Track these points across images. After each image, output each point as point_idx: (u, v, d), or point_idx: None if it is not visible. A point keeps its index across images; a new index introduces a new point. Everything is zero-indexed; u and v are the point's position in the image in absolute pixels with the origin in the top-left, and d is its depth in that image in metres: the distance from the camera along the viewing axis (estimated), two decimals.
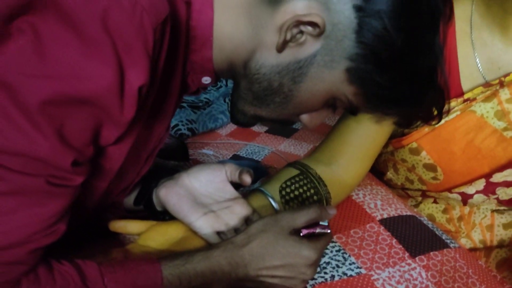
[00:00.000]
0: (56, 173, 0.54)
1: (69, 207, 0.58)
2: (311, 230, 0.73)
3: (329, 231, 0.74)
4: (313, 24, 0.59)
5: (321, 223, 0.73)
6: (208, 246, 0.72)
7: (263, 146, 1.43)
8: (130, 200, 0.85)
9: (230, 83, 1.70)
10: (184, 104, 1.55)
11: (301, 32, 0.60)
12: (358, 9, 0.58)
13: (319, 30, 0.59)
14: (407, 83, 0.63)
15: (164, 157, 1.17)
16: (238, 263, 0.68)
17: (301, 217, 0.71)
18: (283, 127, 1.41)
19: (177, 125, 1.46)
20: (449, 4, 0.65)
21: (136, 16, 0.52)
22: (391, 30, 0.58)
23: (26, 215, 0.53)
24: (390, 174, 0.99)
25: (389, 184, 1.02)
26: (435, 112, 0.72)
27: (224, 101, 1.66)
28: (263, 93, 0.67)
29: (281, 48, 0.62)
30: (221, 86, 1.71)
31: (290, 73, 0.64)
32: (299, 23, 0.59)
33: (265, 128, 1.56)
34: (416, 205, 1.03)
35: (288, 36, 0.61)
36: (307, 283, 0.74)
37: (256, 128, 1.57)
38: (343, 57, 0.61)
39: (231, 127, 1.57)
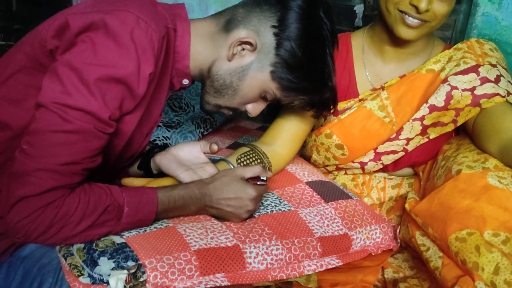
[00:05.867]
0: (98, 123, 0.88)
1: (103, 148, 0.92)
2: (254, 182, 1.09)
3: (266, 183, 1.11)
4: (249, 43, 1.00)
5: (261, 178, 1.11)
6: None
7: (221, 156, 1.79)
8: (133, 168, 1.21)
9: (197, 109, 2.08)
10: (160, 124, 1.90)
11: (243, 48, 1.01)
12: (276, 35, 0.99)
13: (253, 47, 1.00)
14: (307, 79, 1.03)
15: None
16: (205, 193, 1.03)
17: (249, 170, 1.09)
18: (235, 114, 1.67)
19: (154, 140, 1.81)
20: (335, 35, 1.07)
21: (148, 33, 0.90)
22: (295, 47, 0.99)
23: (81, 146, 0.87)
24: (314, 156, 1.39)
25: (314, 165, 1.42)
26: (332, 107, 1.13)
27: (192, 123, 2.02)
28: (220, 88, 1.05)
29: (231, 58, 1.02)
30: (189, 111, 2.08)
31: (237, 74, 1.03)
32: (241, 43, 1.00)
33: (226, 145, 1.93)
34: (333, 178, 1.43)
35: (235, 51, 1.01)
36: (250, 213, 1.08)
37: (219, 145, 1.94)
38: (268, 64, 1.01)
39: None
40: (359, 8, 2.24)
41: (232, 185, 1.04)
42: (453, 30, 2.17)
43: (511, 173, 1.01)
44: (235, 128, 1.98)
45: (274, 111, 1.36)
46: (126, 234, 0.96)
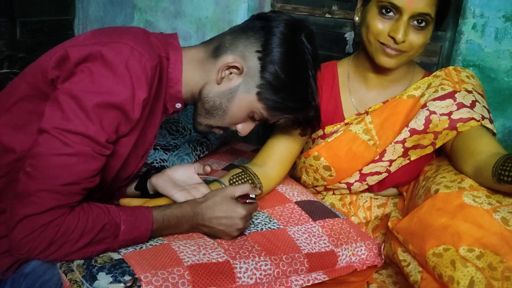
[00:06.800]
0: (96, 146, 0.94)
1: (101, 169, 0.98)
2: (244, 200, 1.15)
3: (255, 201, 1.17)
4: (236, 67, 1.08)
5: (250, 196, 1.17)
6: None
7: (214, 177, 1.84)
8: (131, 189, 1.28)
9: (194, 132, 2.14)
10: (158, 147, 1.96)
11: (231, 72, 1.09)
12: (260, 59, 1.07)
13: (240, 70, 1.08)
14: (291, 100, 1.10)
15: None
16: (198, 212, 1.09)
17: (239, 189, 1.15)
18: (227, 133, 1.72)
19: (152, 162, 1.86)
20: (318, 58, 1.13)
21: (142, 62, 0.98)
22: (278, 70, 1.07)
23: (81, 167, 0.93)
24: (304, 177, 1.46)
25: (304, 185, 1.49)
26: (316, 124, 1.20)
27: (189, 146, 2.07)
28: (211, 109, 1.12)
29: (219, 81, 1.09)
30: (186, 135, 2.14)
31: (226, 96, 1.10)
32: (229, 67, 1.08)
33: (221, 167, 1.99)
34: (322, 199, 1.49)
35: (223, 75, 1.09)
36: (241, 232, 1.13)
37: (214, 167, 2.00)
38: (254, 86, 1.09)
39: None
40: (349, 36, 2.34)
41: (223, 204, 1.10)
42: (439, 56, 2.27)
43: (485, 192, 1.08)
44: (231, 150, 2.03)
45: (268, 133, 1.44)
46: (123, 250, 1.02)
